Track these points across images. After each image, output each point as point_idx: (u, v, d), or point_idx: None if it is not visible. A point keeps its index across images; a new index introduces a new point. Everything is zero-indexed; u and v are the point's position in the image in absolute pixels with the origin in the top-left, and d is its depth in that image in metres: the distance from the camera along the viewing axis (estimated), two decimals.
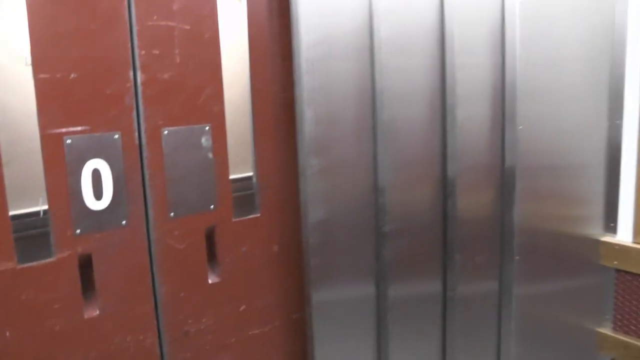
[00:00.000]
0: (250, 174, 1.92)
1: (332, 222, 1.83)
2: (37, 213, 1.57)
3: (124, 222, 1.66)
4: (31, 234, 1.59)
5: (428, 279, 2.02)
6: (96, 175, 1.60)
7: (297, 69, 1.71)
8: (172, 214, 1.73)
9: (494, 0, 1.92)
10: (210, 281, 1.82)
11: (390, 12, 1.81)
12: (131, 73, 1.61)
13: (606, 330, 2.31)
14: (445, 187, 1.94)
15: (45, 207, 1.53)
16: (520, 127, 1.94)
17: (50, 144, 1.52)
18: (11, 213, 1.48)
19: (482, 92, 1.96)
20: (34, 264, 1.53)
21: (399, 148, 1.89)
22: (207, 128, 1.74)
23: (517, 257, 2.04)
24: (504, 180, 1.99)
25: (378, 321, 1.95)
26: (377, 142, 1.84)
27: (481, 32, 1.93)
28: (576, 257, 2.20)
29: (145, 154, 1.66)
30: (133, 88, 1.62)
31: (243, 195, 1.98)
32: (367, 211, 1.89)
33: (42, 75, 1.49)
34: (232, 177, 1.83)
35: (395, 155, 1.88)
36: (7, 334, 1.49)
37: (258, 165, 1.88)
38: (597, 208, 2.19)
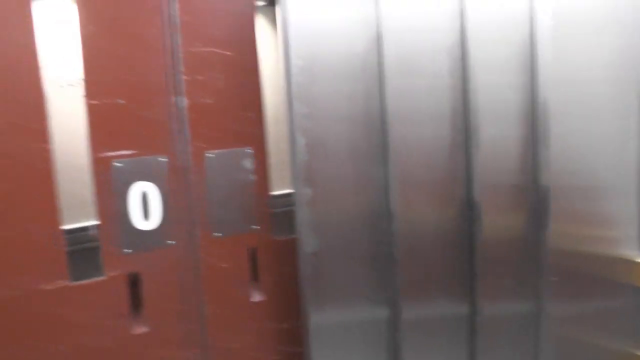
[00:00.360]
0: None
1: (330, 251, 1.77)
2: (84, 228, 1.64)
3: (170, 242, 1.72)
4: (79, 248, 1.65)
5: (451, 303, 1.98)
6: (144, 197, 1.66)
7: (287, 94, 1.67)
8: (216, 233, 1.78)
9: (522, 19, 1.90)
10: (252, 299, 1.86)
11: (402, 32, 1.78)
12: (176, 98, 1.67)
13: None
14: (470, 209, 1.92)
15: (91, 222, 1.60)
16: (553, 146, 1.91)
17: (100, 167, 1.60)
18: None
19: (508, 112, 1.93)
20: (86, 282, 1.60)
21: (412, 170, 1.85)
22: (248, 150, 1.79)
23: (553, 279, 1.99)
24: (538, 201, 1.95)
25: (391, 347, 1.92)
26: (388, 166, 1.79)
27: (508, 50, 1.90)
28: (611, 279, 2.14)
29: (190, 176, 1.72)
30: (178, 113, 1.68)
31: (283, 212, 2.01)
32: (374, 237, 1.84)
33: (92, 102, 1.57)
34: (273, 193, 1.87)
35: (407, 178, 1.84)
36: (61, 347, 1.56)
37: None
38: (632, 229, 2.13)
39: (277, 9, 1.84)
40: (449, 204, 1.91)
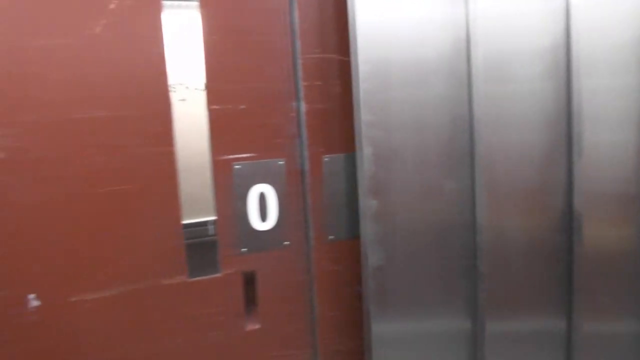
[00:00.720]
0: None
1: (398, 265, 1.69)
2: (203, 223, 1.71)
3: (286, 242, 1.74)
4: (197, 242, 1.72)
5: (544, 320, 1.84)
6: (262, 198, 1.69)
7: (355, 102, 1.59)
8: (330, 236, 1.77)
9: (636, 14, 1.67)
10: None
11: (493, 35, 1.65)
12: (295, 103, 1.67)
13: None
14: (569, 220, 1.75)
15: (206, 218, 1.66)
16: None
17: (221, 169, 1.64)
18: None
19: (614, 117, 1.72)
20: (203, 278, 1.67)
21: (502, 180, 1.73)
22: None
23: None
24: None
25: None
26: (474, 175, 1.68)
27: (617, 51, 1.69)
28: None
29: (307, 180, 1.72)
30: (297, 117, 1.68)
31: None
32: (452, 250, 1.74)
33: (214, 107, 1.60)
34: None
35: (496, 187, 1.72)
36: (179, 340, 1.65)
37: None
38: None
39: None
40: (544, 215, 1.78)
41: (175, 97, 1.56)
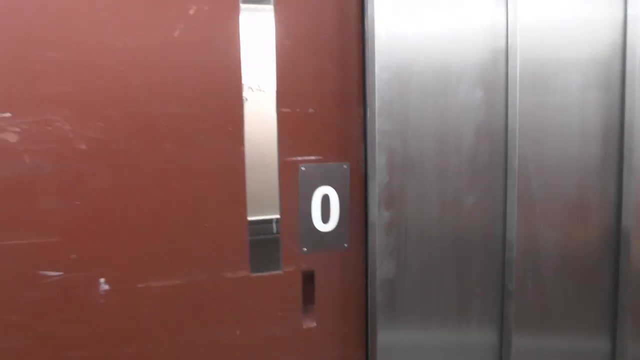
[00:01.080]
0: None
1: (411, 278, 1.68)
2: (267, 221, 1.76)
3: (345, 244, 1.78)
4: (261, 239, 1.78)
5: (582, 342, 1.78)
6: (325, 200, 1.73)
7: (370, 110, 1.59)
8: None
9: None
10: None
11: (534, 45, 1.62)
12: (361, 108, 1.70)
13: None
14: (616, 237, 1.69)
15: (270, 216, 1.72)
16: None
17: (287, 170, 1.69)
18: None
19: None
20: (264, 274, 1.73)
21: (537, 194, 1.68)
22: None
23: None
24: None
25: None
26: (508, 189, 1.65)
27: None
28: None
29: (369, 184, 1.74)
30: (363, 122, 1.71)
31: None
32: (475, 265, 1.72)
33: (284, 110, 1.66)
34: None
35: (530, 202, 1.68)
36: (237, 332, 1.72)
37: None
38: None
39: None
40: (585, 231, 1.74)
41: (246, 96, 1.62)
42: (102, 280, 1.57)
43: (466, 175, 1.68)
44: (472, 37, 1.63)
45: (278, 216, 1.72)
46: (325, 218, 1.75)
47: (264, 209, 1.71)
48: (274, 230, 1.73)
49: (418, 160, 1.63)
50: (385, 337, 1.69)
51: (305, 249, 1.74)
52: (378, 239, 1.63)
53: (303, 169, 1.70)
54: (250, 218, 1.70)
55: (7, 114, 1.45)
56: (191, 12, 1.55)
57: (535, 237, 1.71)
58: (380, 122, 1.58)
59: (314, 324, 1.79)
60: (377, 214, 1.62)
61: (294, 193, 1.71)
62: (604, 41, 1.67)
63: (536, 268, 1.72)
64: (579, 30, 1.65)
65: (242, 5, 1.59)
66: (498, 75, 1.65)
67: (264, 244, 1.72)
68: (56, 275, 1.53)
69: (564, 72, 1.66)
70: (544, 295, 1.74)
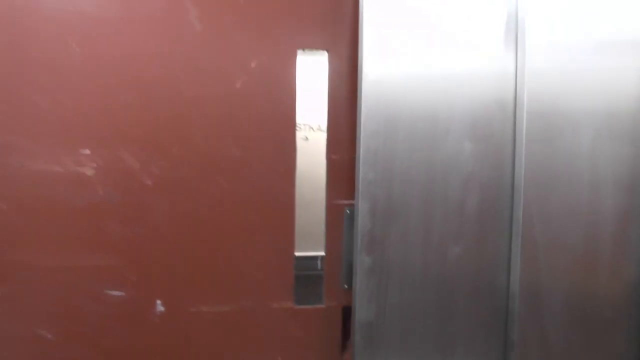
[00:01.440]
0: None
1: (392, 322, 1.68)
2: (313, 257, 1.88)
3: None
4: (305, 274, 1.89)
5: None
6: None
7: (357, 158, 1.61)
8: None
9: None
10: None
11: (547, 94, 1.58)
12: None
13: None
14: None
15: (315, 253, 1.84)
16: None
17: (334, 212, 1.81)
18: None
19: None
20: (307, 306, 1.84)
21: (543, 244, 1.64)
22: None
23: None
24: None
25: None
26: (512, 239, 1.64)
27: None
28: None
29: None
30: None
31: None
32: (473, 314, 1.70)
33: (333, 156, 1.77)
34: None
35: (534, 252, 1.64)
36: (279, 358, 1.85)
37: None
38: None
39: None
40: (604, 282, 1.69)
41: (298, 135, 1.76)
42: (158, 302, 1.74)
43: (448, 224, 1.68)
44: (466, 85, 1.64)
45: (323, 253, 1.83)
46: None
47: (310, 246, 1.83)
48: (318, 266, 1.84)
49: (402, 209, 1.65)
50: None
51: (346, 286, 1.84)
52: (359, 283, 1.66)
53: (348, 212, 1.80)
54: (297, 254, 1.82)
55: (87, 151, 1.64)
56: (253, 65, 1.69)
57: (540, 288, 1.68)
58: (363, 172, 1.62)
59: (349, 357, 1.88)
60: (358, 259, 1.65)
61: (338, 234, 1.81)
62: (629, 92, 1.65)
63: (539, 318, 1.69)
64: (602, 79, 1.64)
65: (299, 51, 1.72)
66: (505, 124, 1.66)
67: (308, 278, 1.84)
68: (119, 295, 1.71)
69: (583, 123, 1.64)
70: (547, 346, 1.71)
